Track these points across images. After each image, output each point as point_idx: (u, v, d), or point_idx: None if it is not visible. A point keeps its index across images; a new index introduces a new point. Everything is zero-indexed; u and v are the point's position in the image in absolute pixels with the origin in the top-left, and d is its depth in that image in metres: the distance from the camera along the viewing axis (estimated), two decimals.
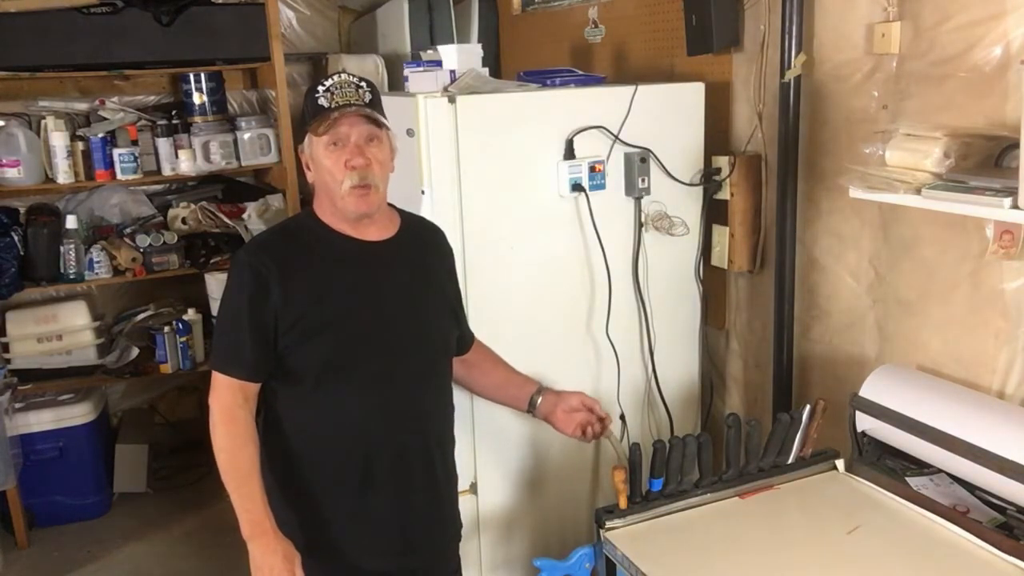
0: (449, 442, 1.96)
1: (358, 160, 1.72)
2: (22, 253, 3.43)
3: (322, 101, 1.72)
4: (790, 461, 1.99)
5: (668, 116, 2.35)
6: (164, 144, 3.67)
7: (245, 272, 1.74)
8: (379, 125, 1.75)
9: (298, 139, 1.84)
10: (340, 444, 1.79)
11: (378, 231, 1.82)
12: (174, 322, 3.70)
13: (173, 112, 3.77)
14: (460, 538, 2.04)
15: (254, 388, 1.76)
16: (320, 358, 1.75)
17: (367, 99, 1.74)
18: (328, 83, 1.73)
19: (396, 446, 1.82)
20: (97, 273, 3.55)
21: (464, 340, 2.03)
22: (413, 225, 1.91)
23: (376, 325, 1.80)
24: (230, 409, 1.73)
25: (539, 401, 2.05)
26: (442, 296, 1.94)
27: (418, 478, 1.86)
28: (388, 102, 2.38)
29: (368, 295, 1.80)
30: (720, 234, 2.49)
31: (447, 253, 1.98)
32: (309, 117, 1.74)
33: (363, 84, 1.75)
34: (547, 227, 2.25)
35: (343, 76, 1.76)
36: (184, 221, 3.78)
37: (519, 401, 2.07)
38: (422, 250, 1.92)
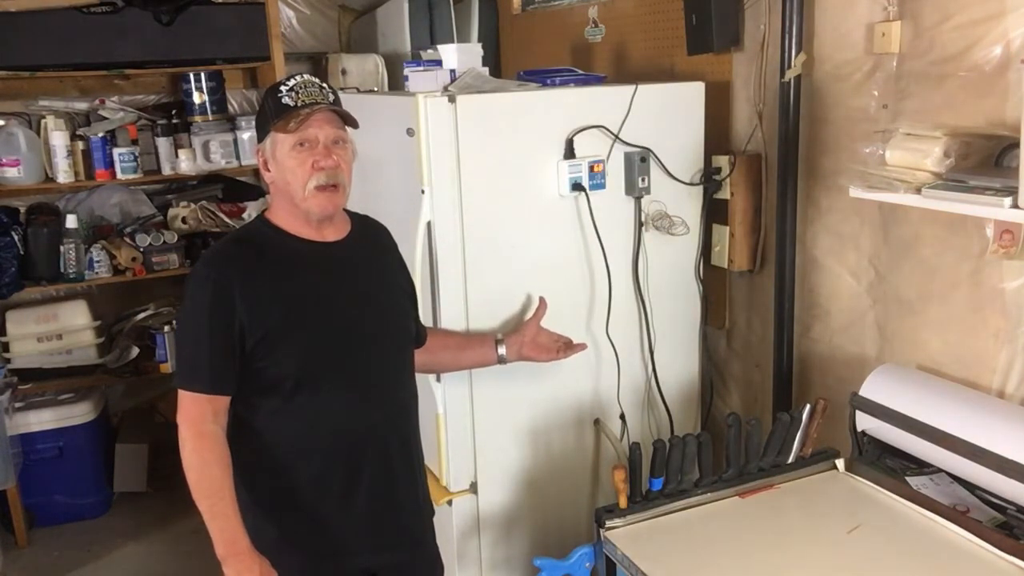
0: (418, 430, 1.97)
1: (328, 161, 1.71)
2: (22, 252, 3.43)
3: (287, 100, 1.70)
4: (790, 461, 1.99)
5: (668, 116, 2.35)
6: (164, 143, 3.68)
7: (207, 286, 1.70)
8: (345, 123, 1.75)
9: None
10: (325, 447, 1.78)
11: (334, 232, 1.82)
12: (174, 322, 3.70)
13: (173, 112, 3.78)
14: (434, 514, 2.05)
15: (223, 402, 1.72)
16: (295, 363, 1.74)
17: (331, 99, 1.74)
18: (291, 83, 1.73)
19: (379, 442, 1.83)
20: (97, 272, 3.56)
21: (421, 332, 2.04)
22: (360, 223, 1.91)
23: (346, 324, 1.80)
24: (198, 425, 1.69)
25: (504, 351, 2.12)
26: (399, 289, 1.96)
27: (400, 470, 1.87)
28: (388, 101, 2.39)
29: (334, 295, 1.80)
30: (720, 233, 2.49)
31: (394, 248, 1.99)
32: (273, 116, 1.71)
33: (325, 85, 1.76)
34: (547, 227, 2.25)
35: (306, 77, 1.75)
36: (184, 220, 3.78)
37: (486, 357, 2.12)
38: (374, 246, 1.93)
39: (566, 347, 2.18)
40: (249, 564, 1.66)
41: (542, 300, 2.18)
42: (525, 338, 2.13)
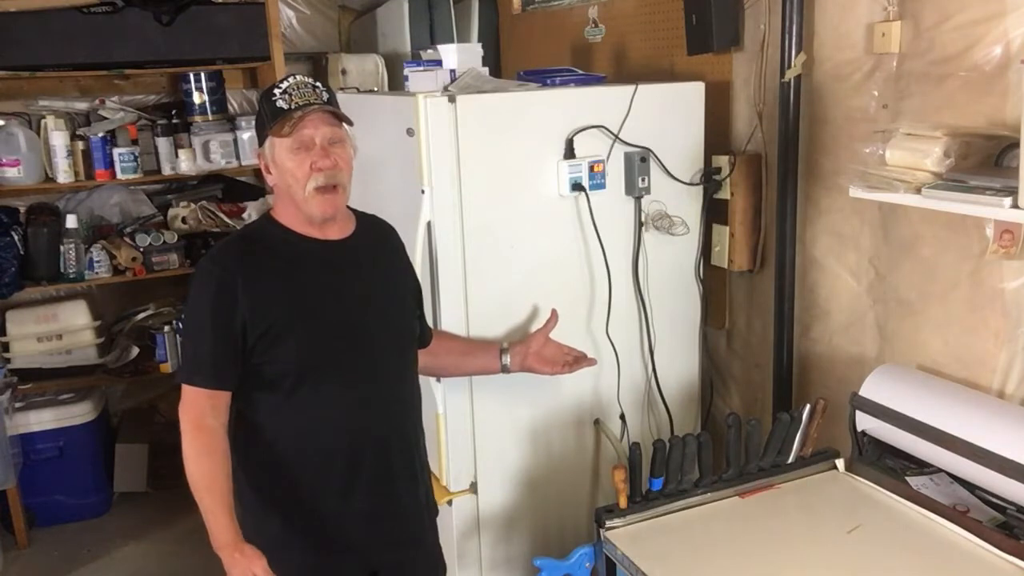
0: (421, 430, 1.98)
1: (325, 162, 1.71)
2: (22, 252, 3.43)
3: (281, 103, 1.70)
4: (790, 461, 1.99)
5: (668, 116, 2.35)
6: (164, 143, 3.67)
7: (211, 282, 1.72)
8: (340, 122, 1.75)
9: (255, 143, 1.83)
10: (324, 445, 1.79)
11: (338, 230, 1.83)
12: (174, 322, 3.70)
13: (173, 111, 3.78)
14: (438, 514, 2.05)
15: (223, 397, 1.74)
16: (296, 361, 1.75)
17: (324, 98, 1.73)
18: (284, 85, 1.73)
19: (378, 441, 1.83)
20: (97, 272, 3.55)
21: (425, 333, 2.04)
22: (367, 222, 1.91)
23: (348, 322, 1.80)
24: (198, 419, 1.72)
25: (508, 361, 2.11)
26: (404, 289, 1.96)
27: (400, 470, 1.88)
28: (388, 101, 2.39)
29: (336, 293, 1.80)
30: (720, 233, 2.49)
31: (400, 248, 1.99)
32: (269, 120, 1.72)
33: (319, 84, 1.75)
34: (547, 227, 2.24)
35: (298, 78, 1.75)
36: (184, 220, 3.78)
37: (490, 366, 2.12)
38: (380, 246, 1.93)
39: (575, 360, 2.16)
40: (238, 556, 1.66)
41: (553, 312, 2.16)
42: (530, 349, 2.11)
